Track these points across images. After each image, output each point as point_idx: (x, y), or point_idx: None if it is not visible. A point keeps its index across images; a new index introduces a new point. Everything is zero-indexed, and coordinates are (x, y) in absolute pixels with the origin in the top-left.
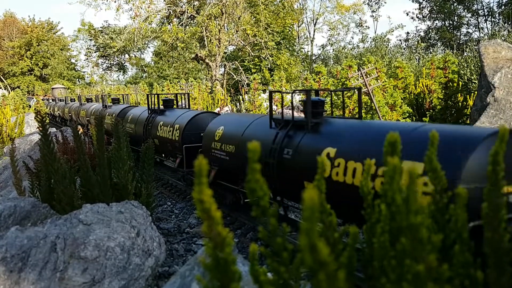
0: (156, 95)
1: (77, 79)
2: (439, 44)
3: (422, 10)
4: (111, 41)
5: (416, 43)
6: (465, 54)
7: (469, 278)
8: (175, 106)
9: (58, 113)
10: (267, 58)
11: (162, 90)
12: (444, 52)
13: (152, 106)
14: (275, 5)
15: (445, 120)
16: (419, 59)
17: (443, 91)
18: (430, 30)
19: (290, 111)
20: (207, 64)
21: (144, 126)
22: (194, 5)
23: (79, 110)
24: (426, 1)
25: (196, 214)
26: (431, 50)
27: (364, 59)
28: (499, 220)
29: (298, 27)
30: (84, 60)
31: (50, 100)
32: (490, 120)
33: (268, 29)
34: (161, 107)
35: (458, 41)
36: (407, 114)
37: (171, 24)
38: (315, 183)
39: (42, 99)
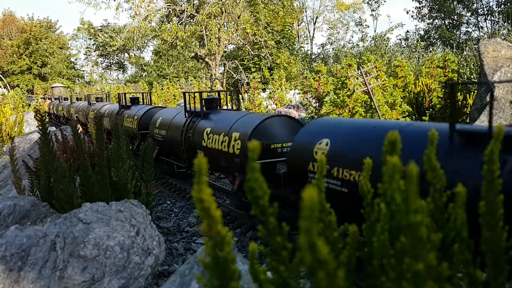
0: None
1: (77, 78)
2: (438, 43)
3: (422, 9)
4: (111, 40)
5: (416, 42)
6: (465, 53)
7: (469, 276)
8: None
9: (76, 116)
10: (267, 57)
11: (162, 89)
12: (444, 51)
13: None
14: (274, 3)
15: (444, 119)
16: (418, 58)
17: (443, 90)
18: (430, 29)
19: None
20: (206, 63)
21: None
22: (193, 4)
23: (123, 117)
24: (425, 0)
25: (195, 213)
26: (431, 49)
27: (363, 58)
28: (497, 219)
29: (298, 26)
30: (84, 59)
31: (60, 100)
32: None
33: (267, 28)
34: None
35: (457, 40)
36: (407, 113)
37: (170, 23)
38: (314, 182)
39: (43, 98)
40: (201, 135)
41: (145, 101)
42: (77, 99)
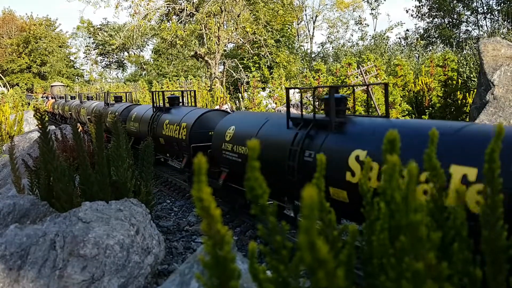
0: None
1: (76, 77)
2: (438, 41)
3: (422, 7)
4: (110, 39)
5: (416, 40)
6: (465, 52)
7: (468, 276)
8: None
9: (88, 119)
10: (267, 55)
11: (162, 87)
12: (444, 50)
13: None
14: (274, 2)
15: (444, 118)
16: (418, 56)
17: (443, 89)
18: (430, 28)
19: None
20: (206, 62)
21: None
22: (193, 2)
23: (162, 124)
24: None
25: (195, 212)
26: (431, 48)
27: (363, 56)
28: (497, 218)
29: (298, 24)
30: (83, 57)
31: (66, 99)
32: (489, 118)
33: (267, 26)
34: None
35: (457, 39)
36: (406, 112)
37: (170, 21)
38: (314, 181)
39: (45, 97)
40: (341, 164)
41: (185, 101)
42: (88, 98)
